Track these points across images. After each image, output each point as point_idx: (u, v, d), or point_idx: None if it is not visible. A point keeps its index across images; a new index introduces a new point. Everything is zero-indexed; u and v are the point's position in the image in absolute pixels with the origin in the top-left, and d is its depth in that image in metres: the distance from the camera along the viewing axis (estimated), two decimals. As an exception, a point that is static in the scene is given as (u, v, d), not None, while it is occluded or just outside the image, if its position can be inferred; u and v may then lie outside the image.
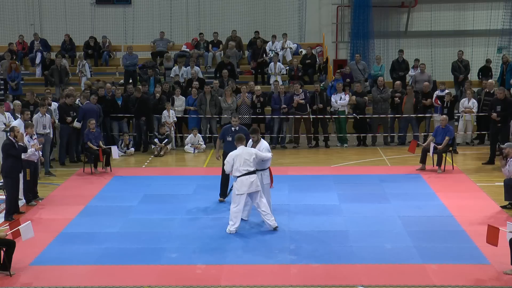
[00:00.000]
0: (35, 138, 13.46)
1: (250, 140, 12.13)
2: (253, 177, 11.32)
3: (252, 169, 11.35)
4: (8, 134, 12.48)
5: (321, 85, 20.14)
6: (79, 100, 18.09)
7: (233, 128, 13.15)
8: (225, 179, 13.23)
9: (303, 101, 18.92)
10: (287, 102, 19.07)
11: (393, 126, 19.85)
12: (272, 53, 22.85)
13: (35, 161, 13.39)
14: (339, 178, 15.29)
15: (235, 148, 12.01)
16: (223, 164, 12.60)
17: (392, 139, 19.76)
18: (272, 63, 21.96)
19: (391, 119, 19.66)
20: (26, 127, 13.38)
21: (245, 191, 11.27)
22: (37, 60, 23.44)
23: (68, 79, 22.09)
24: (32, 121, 14.36)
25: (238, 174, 11.33)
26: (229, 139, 12.98)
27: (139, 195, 13.96)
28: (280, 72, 21.88)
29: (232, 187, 11.97)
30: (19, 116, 15.53)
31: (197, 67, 21.70)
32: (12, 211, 12.32)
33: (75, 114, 17.22)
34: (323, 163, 17.24)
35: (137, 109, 18.81)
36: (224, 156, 12.91)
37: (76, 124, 17.24)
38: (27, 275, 9.64)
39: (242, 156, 11.37)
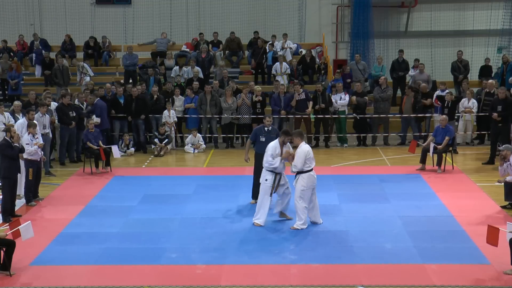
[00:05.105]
0: (37, 137, 13.47)
1: (276, 141, 11.86)
2: (314, 172, 11.55)
3: (314, 164, 11.57)
4: (5, 134, 12.43)
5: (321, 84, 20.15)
6: (78, 100, 18.09)
7: (266, 128, 12.92)
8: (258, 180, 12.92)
9: (303, 96, 18.88)
10: (287, 103, 19.06)
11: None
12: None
13: (38, 160, 13.40)
14: (339, 178, 15.28)
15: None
16: (256, 166, 12.62)
17: (402, 138, 19.62)
18: (278, 63, 21.91)
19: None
20: (28, 126, 13.43)
21: (311, 186, 11.48)
22: (33, 61, 23.49)
23: (69, 79, 22.09)
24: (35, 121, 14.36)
25: (306, 170, 11.42)
26: (263, 139, 12.70)
27: (139, 195, 13.95)
28: (286, 71, 21.83)
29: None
30: (19, 116, 15.56)
31: (198, 67, 21.69)
32: (8, 213, 12.24)
33: (74, 114, 17.18)
34: (323, 163, 17.21)
35: (135, 109, 18.80)
36: (256, 157, 12.82)
37: (96, 119, 17.57)
38: (27, 275, 9.64)
39: (311, 152, 11.53)
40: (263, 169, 11.79)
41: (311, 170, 11.49)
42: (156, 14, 25.83)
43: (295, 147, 11.78)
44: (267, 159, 11.66)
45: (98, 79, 22.52)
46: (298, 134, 11.75)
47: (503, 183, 12.52)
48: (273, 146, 11.73)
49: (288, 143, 11.87)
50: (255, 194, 13.05)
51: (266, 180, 11.69)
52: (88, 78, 21.92)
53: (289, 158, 11.63)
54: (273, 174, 11.66)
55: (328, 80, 22.06)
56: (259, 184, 12.81)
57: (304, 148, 11.45)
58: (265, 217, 11.76)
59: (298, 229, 11.47)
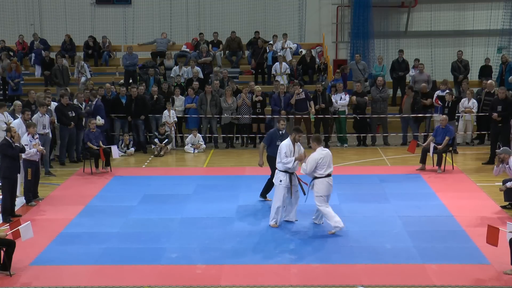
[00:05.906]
0: (37, 138, 13.47)
1: (288, 139, 11.75)
2: (331, 179, 11.34)
3: (331, 170, 11.35)
4: (5, 134, 12.45)
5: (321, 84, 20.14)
6: (76, 100, 18.08)
7: (280, 132, 12.82)
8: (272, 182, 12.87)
9: (302, 96, 18.84)
10: (287, 103, 19.06)
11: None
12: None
13: (37, 160, 13.40)
14: (339, 178, 15.19)
15: None
16: (272, 167, 12.52)
17: (402, 138, 19.59)
18: (278, 63, 21.88)
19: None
20: (28, 126, 13.42)
21: (325, 193, 11.28)
22: (32, 61, 23.52)
23: (69, 79, 22.09)
24: (32, 121, 14.35)
25: (318, 176, 11.23)
26: (278, 143, 12.45)
27: (139, 195, 13.95)
28: (285, 71, 21.81)
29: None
30: (19, 116, 15.55)
31: (198, 67, 21.69)
32: (8, 213, 12.24)
33: (73, 114, 17.16)
34: (323, 163, 17.21)
35: (135, 109, 18.80)
36: (269, 160, 12.76)
37: (101, 120, 17.72)
38: (27, 275, 9.64)
39: (328, 157, 11.29)
40: (276, 170, 11.73)
41: (325, 176, 11.27)
42: (156, 14, 25.85)
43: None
44: (281, 159, 11.56)
45: (98, 79, 22.51)
46: (314, 139, 11.52)
47: (502, 183, 12.51)
48: (286, 144, 11.61)
49: (299, 142, 11.76)
50: (264, 193, 13.09)
51: (280, 181, 11.60)
52: (84, 79, 21.87)
53: (302, 159, 11.52)
54: (287, 174, 11.57)
55: (328, 80, 22.05)
56: (272, 185, 12.83)
57: (318, 154, 11.23)
58: (280, 218, 11.72)
59: (338, 230, 11.25)
